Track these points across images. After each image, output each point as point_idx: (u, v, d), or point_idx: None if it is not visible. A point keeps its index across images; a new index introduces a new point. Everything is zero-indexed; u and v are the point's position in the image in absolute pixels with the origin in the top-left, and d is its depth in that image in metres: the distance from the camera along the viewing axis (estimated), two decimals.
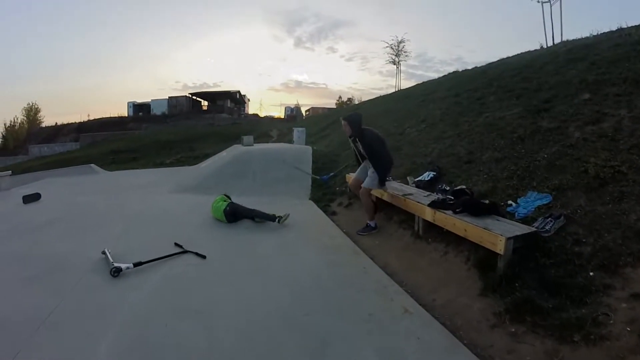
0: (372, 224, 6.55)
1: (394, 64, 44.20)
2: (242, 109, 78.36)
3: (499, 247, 4.07)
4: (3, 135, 71.32)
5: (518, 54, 15.91)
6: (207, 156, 17.48)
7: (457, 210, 4.95)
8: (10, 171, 13.73)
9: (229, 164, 11.82)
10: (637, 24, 10.58)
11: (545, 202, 4.88)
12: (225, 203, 7.14)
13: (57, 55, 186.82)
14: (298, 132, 16.02)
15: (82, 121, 68.86)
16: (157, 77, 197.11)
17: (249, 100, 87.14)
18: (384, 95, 27.96)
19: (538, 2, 21.99)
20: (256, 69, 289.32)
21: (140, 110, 68.56)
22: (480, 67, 16.54)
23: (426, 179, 7.08)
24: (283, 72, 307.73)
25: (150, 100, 68.91)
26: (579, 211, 4.50)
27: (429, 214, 5.40)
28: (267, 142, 23.43)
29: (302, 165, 11.23)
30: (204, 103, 70.84)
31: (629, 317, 3.13)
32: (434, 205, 5.36)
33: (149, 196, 9.95)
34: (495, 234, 4.13)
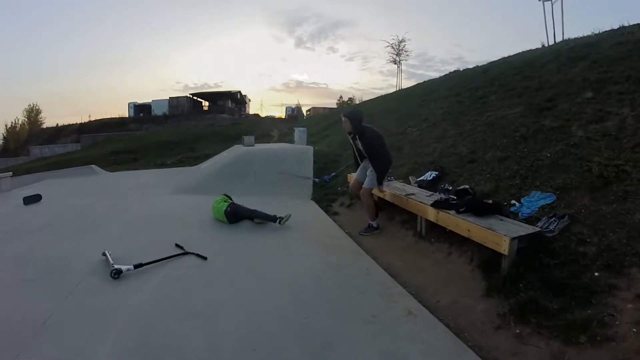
0: (374, 224, 6.52)
1: (395, 64, 44.07)
2: (243, 109, 78.32)
3: (503, 248, 4.04)
4: (4, 137, 71.46)
5: (519, 53, 15.85)
6: (208, 157, 17.42)
7: (461, 210, 4.91)
8: (11, 172, 13.71)
9: (230, 164, 11.77)
10: (639, 22, 10.52)
11: (548, 202, 4.85)
12: (226, 204, 7.10)
13: (58, 56, 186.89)
14: (299, 132, 15.96)
15: (83, 122, 68.88)
16: (157, 78, 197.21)
17: (249, 100, 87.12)
18: (384, 95, 27.90)
19: (539, 0, 21.88)
20: (257, 69, 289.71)
21: (141, 111, 68.50)
22: (481, 66, 16.46)
23: (428, 178, 7.05)
24: (284, 72, 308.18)
25: (151, 101, 68.87)
26: (583, 211, 4.47)
27: (431, 214, 5.37)
28: (268, 142, 23.36)
29: (303, 165, 11.20)
30: (205, 103, 70.78)
31: (635, 318, 3.10)
32: (436, 205, 5.32)
33: (149, 197, 9.91)
34: (500, 235, 4.10)
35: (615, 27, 11.40)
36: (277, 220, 6.66)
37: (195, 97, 69.74)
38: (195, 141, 32.71)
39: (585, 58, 8.71)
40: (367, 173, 6.47)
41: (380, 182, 6.42)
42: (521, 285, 3.88)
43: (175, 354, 3.23)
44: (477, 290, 4.16)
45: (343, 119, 6.48)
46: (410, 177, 7.54)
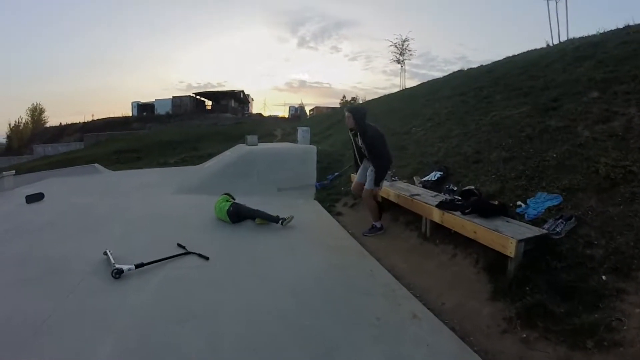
0: (377, 225, 6.47)
1: (398, 63, 43.81)
2: (246, 109, 78.47)
3: (510, 250, 3.98)
4: (8, 136, 71.73)
5: (524, 52, 15.79)
6: (210, 156, 17.43)
7: (466, 211, 4.85)
8: (14, 171, 13.69)
9: (233, 163, 11.76)
10: None
11: (555, 203, 4.79)
12: (229, 203, 7.06)
13: (62, 56, 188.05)
14: (302, 132, 15.91)
15: (86, 121, 69.37)
16: (161, 78, 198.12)
17: (252, 99, 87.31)
18: (388, 94, 27.85)
19: None
20: (260, 69, 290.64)
21: (144, 110, 68.76)
22: (486, 65, 16.39)
23: (433, 179, 7.00)
24: (287, 72, 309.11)
25: (154, 100, 69.13)
26: (590, 212, 4.41)
27: (436, 215, 5.31)
28: (272, 142, 23.35)
29: (306, 164, 11.18)
30: (208, 103, 70.97)
31: None
32: (442, 206, 5.26)
33: (152, 196, 9.88)
34: (506, 236, 4.04)
35: (621, 26, 11.36)
36: (280, 222, 6.62)
37: (198, 97, 69.98)
38: (198, 140, 32.75)
39: (590, 57, 8.66)
40: (368, 174, 6.39)
41: (378, 183, 6.30)
42: (527, 288, 3.82)
43: (176, 355, 3.19)
44: (483, 293, 4.10)
45: (346, 113, 6.42)
46: (414, 177, 7.50)
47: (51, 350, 3.24)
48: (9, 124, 72.42)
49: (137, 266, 4.78)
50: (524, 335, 3.38)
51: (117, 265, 4.65)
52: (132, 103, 71.34)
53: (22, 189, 11.12)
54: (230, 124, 49.97)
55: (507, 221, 4.56)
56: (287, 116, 73.35)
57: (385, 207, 6.81)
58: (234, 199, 7.41)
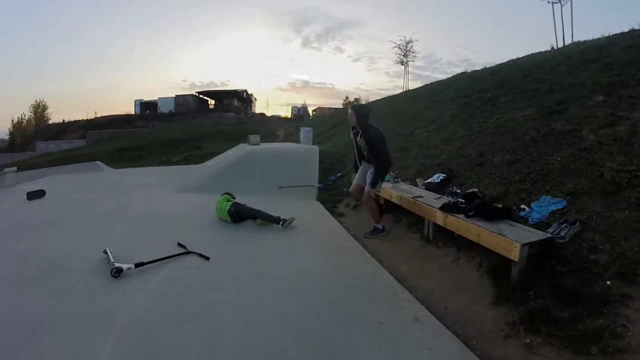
0: (379, 226, 6.43)
1: (402, 64, 43.96)
2: (248, 108, 78.44)
3: (514, 254, 3.94)
4: (10, 132, 71.70)
5: (528, 55, 15.75)
6: (213, 155, 17.40)
7: (470, 214, 4.82)
8: (16, 167, 13.70)
9: (235, 163, 11.75)
10: None
11: (559, 207, 4.76)
12: (230, 203, 7.04)
13: (66, 55, 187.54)
14: (305, 132, 15.89)
15: (89, 119, 69.25)
16: (164, 76, 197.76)
17: (255, 99, 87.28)
18: (391, 96, 27.82)
19: (548, 2, 21.78)
20: (263, 69, 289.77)
21: (147, 108, 68.77)
22: (489, 67, 16.38)
23: (436, 181, 6.96)
24: (290, 72, 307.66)
25: (157, 99, 69.10)
26: (594, 217, 4.38)
27: (440, 218, 5.28)
28: (274, 142, 23.33)
29: (309, 165, 11.15)
30: (211, 102, 70.94)
31: None
32: (445, 208, 5.23)
33: (153, 195, 9.86)
34: (510, 240, 4.01)
35: (626, 30, 11.29)
36: (281, 223, 6.59)
37: (201, 96, 69.96)
38: (201, 139, 32.68)
39: (595, 61, 8.62)
40: (367, 176, 6.33)
41: (374, 184, 6.16)
42: (531, 292, 3.79)
43: (176, 355, 3.18)
44: (486, 297, 4.07)
45: (350, 111, 6.39)
46: (417, 179, 7.46)
47: (50, 349, 3.22)
48: (12, 121, 72.52)
49: (137, 265, 4.75)
50: (528, 341, 3.34)
51: (116, 264, 4.63)
52: (135, 101, 71.34)
53: (24, 186, 11.11)
54: (233, 124, 49.91)
55: (511, 225, 4.53)
56: (289, 116, 73.31)
57: (387, 208, 6.78)
58: (234, 199, 7.39)
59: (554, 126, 6.57)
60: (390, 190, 6.76)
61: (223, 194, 7.53)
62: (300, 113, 71.58)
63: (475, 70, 18.18)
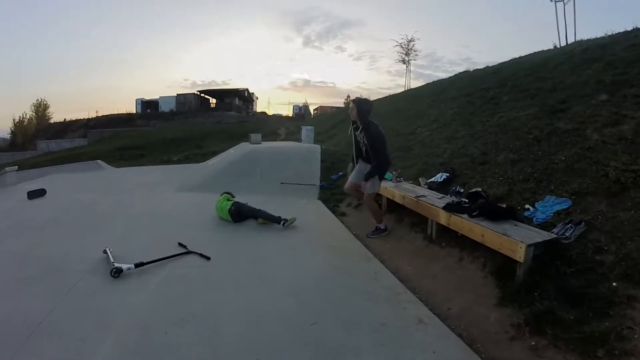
0: (381, 226, 6.38)
1: (404, 63, 43.76)
2: (250, 107, 78.47)
3: (519, 255, 3.89)
4: (12, 131, 71.76)
5: (531, 54, 15.71)
6: (214, 154, 17.39)
7: (474, 214, 4.77)
8: (17, 166, 13.69)
9: (236, 162, 11.74)
10: None
11: (564, 207, 4.71)
12: (230, 202, 7.01)
13: (67, 54, 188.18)
14: (306, 131, 15.88)
15: (90, 118, 69.31)
16: (166, 75, 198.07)
17: (257, 98, 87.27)
18: (393, 95, 27.80)
19: (551, 0, 21.65)
20: (264, 68, 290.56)
21: (149, 107, 68.82)
22: (492, 66, 16.33)
23: (439, 180, 6.92)
24: (291, 71, 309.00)
25: (158, 98, 69.15)
26: (599, 217, 4.34)
27: (443, 217, 5.23)
28: (275, 141, 23.31)
29: (310, 164, 11.12)
30: (212, 101, 70.97)
31: None
32: (449, 208, 5.19)
33: (154, 194, 9.84)
34: (515, 241, 3.96)
35: (629, 28, 11.25)
36: (281, 222, 6.54)
37: (202, 94, 69.96)
38: (202, 138, 32.68)
39: (599, 60, 8.57)
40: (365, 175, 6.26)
41: (367, 178, 6.08)
42: (536, 294, 3.74)
43: (176, 355, 3.15)
44: (490, 298, 4.02)
45: (351, 104, 6.32)
46: (420, 179, 7.42)
47: (50, 349, 3.19)
48: (13, 120, 72.57)
49: (136, 265, 4.71)
50: (533, 343, 3.29)
51: (116, 264, 4.59)
52: (136, 100, 71.37)
53: (25, 185, 11.11)
54: (234, 122, 49.92)
55: (516, 225, 4.49)
56: (291, 115, 73.31)
57: (390, 208, 6.73)
58: (233, 198, 7.37)
59: (558, 125, 6.52)
60: (393, 189, 6.72)
61: (223, 194, 7.49)
62: (301, 112, 71.62)
63: (477, 69, 18.15)
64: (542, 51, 15.49)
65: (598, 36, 12.76)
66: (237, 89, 70.12)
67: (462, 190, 6.17)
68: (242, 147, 13.60)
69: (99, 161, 18.49)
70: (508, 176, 5.97)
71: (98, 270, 4.75)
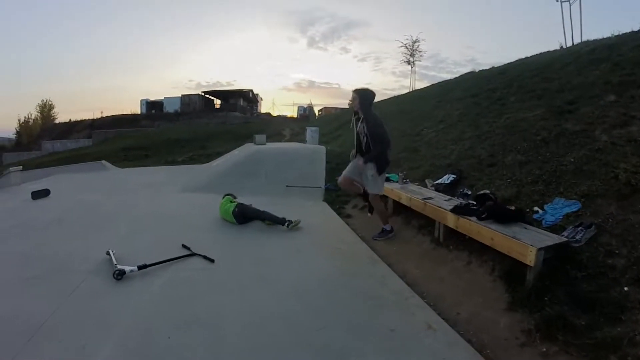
0: (387, 227, 6.30)
1: (409, 64, 43.69)
2: (254, 108, 78.67)
3: (529, 259, 3.83)
4: (17, 131, 72.01)
5: (537, 54, 15.65)
6: (219, 154, 17.38)
7: (482, 216, 4.71)
8: (21, 166, 13.72)
9: (241, 162, 11.71)
10: None
11: (574, 210, 4.64)
12: (234, 204, 6.95)
13: (72, 55, 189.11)
14: (311, 132, 15.85)
15: (95, 118, 69.55)
16: (170, 76, 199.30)
17: (261, 99, 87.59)
18: (398, 96, 27.77)
19: (557, 1, 21.56)
20: (269, 69, 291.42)
21: (153, 107, 69.06)
22: (497, 67, 16.28)
23: (446, 182, 6.85)
24: (296, 72, 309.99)
25: (163, 98, 69.35)
26: (610, 220, 4.26)
27: (451, 220, 5.17)
28: (280, 142, 23.31)
29: (315, 165, 11.06)
30: (217, 101, 71.18)
31: None
32: (457, 210, 5.12)
33: (158, 195, 9.82)
34: (526, 244, 3.90)
35: (636, 28, 11.17)
36: (286, 224, 6.49)
37: (207, 95, 70.16)
38: (206, 139, 32.79)
39: (606, 60, 8.51)
40: (369, 178, 6.12)
41: (367, 161, 5.94)
42: (546, 298, 3.67)
43: (178, 359, 3.11)
44: (500, 303, 3.95)
45: (353, 94, 6.20)
46: (426, 180, 7.35)
47: (49, 352, 3.16)
48: (19, 120, 72.84)
49: (139, 267, 4.66)
50: (544, 349, 3.22)
51: (119, 266, 4.55)
52: (141, 100, 71.63)
53: (29, 185, 11.15)
54: (238, 123, 50.05)
55: (525, 228, 4.42)
56: (295, 116, 73.43)
57: (396, 210, 6.66)
58: (235, 199, 7.32)
59: (566, 126, 6.46)
60: (399, 191, 6.66)
61: (225, 195, 7.45)
62: (306, 113, 71.74)
63: (483, 70, 18.12)
64: (548, 51, 15.41)
65: (605, 36, 12.69)
66: (242, 90, 70.27)
67: (469, 193, 6.11)
68: (247, 148, 13.56)
69: (103, 162, 18.48)
70: (516, 178, 5.90)
71: (101, 271, 4.72)
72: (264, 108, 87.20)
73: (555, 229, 4.48)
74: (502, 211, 4.74)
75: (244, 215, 6.79)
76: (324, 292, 4.34)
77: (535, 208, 5.01)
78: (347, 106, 68.75)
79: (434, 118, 11.69)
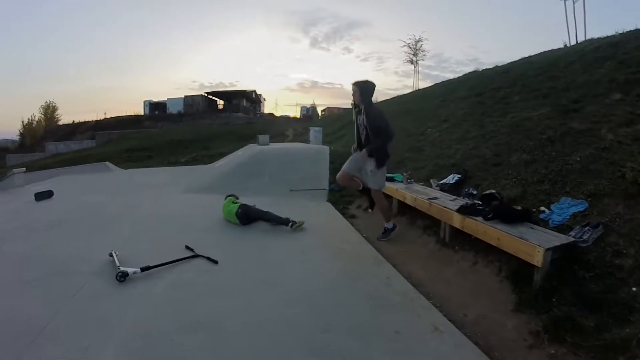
0: (389, 225, 6.22)
1: (412, 63, 43.72)
2: (257, 109, 78.70)
3: (537, 259, 3.78)
4: (21, 133, 72.31)
5: (541, 53, 15.63)
6: (222, 155, 17.38)
7: (489, 216, 4.66)
8: (25, 168, 13.72)
9: (244, 163, 11.69)
10: None
11: (580, 209, 4.59)
12: (237, 205, 6.91)
13: (75, 56, 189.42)
14: (314, 132, 15.82)
15: (98, 119, 69.75)
16: (173, 77, 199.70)
17: (264, 99, 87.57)
18: (401, 95, 27.75)
19: None
20: (272, 69, 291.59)
21: (156, 108, 69.20)
22: (501, 66, 16.23)
23: (451, 182, 6.81)
24: (299, 72, 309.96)
25: (166, 99, 69.47)
26: (617, 219, 4.22)
27: (457, 220, 5.13)
28: (283, 142, 23.27)
29: (319, 165, 11.02)
30: (220, 102, 71.24)
31: None
32: (463, 210, 5.07)
33: (161, 195, 9.80)
34: (533, 245, 3.85)
35: None
36: (289, 224, 6.45)
37: (210, 96, 70.27)
38: (209, 140, 32.78)
39: (611, 58, 8.49)
40: (369, 173, 6.06)
41: (370, 152, 5.87)
42: (554, 299, 3.63)
43: None
44: (507, 304, 3.91)
45: (353, 87, 6.07)
46: (431, 180, 7.31)
47: (53, 354, 3.14)
48: (22, 122, 73.14)
49: (142, 269, 4.62)
50: (552, 351, 3.18)
51: (122, 268, 4.52)
52: (144, 102, 71.81)
53: (32, 187, 11.12)
54: (242, 124, 50.08)
55: (532, 228, 4.37)
56: (298, 116, 73.39)
57: (401, 210, 6.62)
58: (238, 200, 7.29)
59: (571, 125, 6.42)
60: (404, 191, 6.62)
61: (227, 196, 7.42)
62: (309, 113, 71.71)
63: (486, 69, 18.07)
64: (552, 50, 15.39)
65: (609, 34, 12.66)
66: (245, 91, 70.34)
67: (475, 192, 6.06)
68: (250, 149, 13.55)
69: (106, 163, 18.53)
70: (522, 177, 5.86)
71: (104, 273, 4.69)
72: (267, 108, 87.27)
73: (562, 228, 4.43)
74: (509, 211, 4.70)
75: (247, 216, 6.75)
76: (328, 293, 4.30)
77: (542, 208, 4.97)
78: (350, 106, 68.89)
79: (438, 117, 11.66)
